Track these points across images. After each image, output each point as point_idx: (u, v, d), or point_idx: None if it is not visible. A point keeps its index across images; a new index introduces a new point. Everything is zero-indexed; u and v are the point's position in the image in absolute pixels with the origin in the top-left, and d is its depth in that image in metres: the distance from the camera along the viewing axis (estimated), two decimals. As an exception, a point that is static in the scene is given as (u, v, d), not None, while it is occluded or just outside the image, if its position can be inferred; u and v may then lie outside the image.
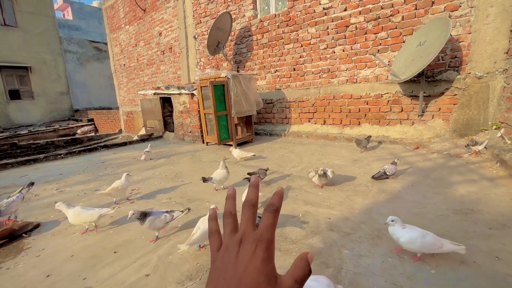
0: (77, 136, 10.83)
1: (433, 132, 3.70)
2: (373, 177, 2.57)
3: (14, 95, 12.43)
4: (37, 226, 2.08)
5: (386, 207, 2.04)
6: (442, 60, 3.57)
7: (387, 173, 2.50)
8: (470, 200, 2.02)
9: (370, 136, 3.73)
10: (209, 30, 5.37)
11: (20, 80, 12.58)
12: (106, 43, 14.24)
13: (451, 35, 3.39)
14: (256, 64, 5.65)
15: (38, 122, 12.88)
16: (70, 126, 11.76)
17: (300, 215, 1.99)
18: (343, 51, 4.41)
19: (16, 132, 10.36)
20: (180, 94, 5.36)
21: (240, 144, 4.72)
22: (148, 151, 4.08)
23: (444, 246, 1.36)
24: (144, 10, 8.08)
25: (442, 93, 3.62)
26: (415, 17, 3.70)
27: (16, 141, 8.34)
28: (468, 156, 3.01)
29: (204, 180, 2.44)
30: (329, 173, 2.39)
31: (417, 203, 2.06)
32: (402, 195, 2.22)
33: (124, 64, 9.74)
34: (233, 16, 5.70)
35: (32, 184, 2.37)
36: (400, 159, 3.22)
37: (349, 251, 1.51)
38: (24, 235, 1.96)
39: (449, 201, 2.04)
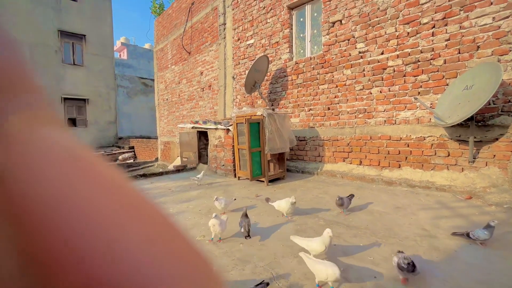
0: (118, 162, 11.71)
1: (488, 181, 3.33)
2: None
3: (72, 122, 14.09)
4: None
5: (441, 269, 1.80)
6: (494, 104, 3.34)
7: (471, 236, 2.08)
8: (549, 271, 1.71)
9: (352, 195, 2.98)
10: (247, 71, 5.75)
11: (78, 110, 14.32)
12: (152, 79, 15.89)
13: (502, 79, 3.21)
14: (290, 103, 5.81)
15: (87, 148, 14.24)
16: (113, 152, 12.80)
17: (342, 269, 1.84)
18: (380, 92, 4.38)
19: (68, 156, 11.50)
20: (216, 129, 5.63)
21: (272, 181, 4.68)
22: (200, 178, 4.69)
23: None
24: (189, 53, 9.00)
25: (496, 139, 3.32)
26: (458, 61, 3.61)
27: (67, 165, 9.22)
28: (536, 213, 2.62)
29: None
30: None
31: (480, 268, 1.79)
32: (459, 256, 1.96)
33: (167, 99, 10.66)
34: (270, 59, 6.08)
35: None
36: (451, 210, 2.92)
37: (403, 322, 1.33)
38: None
39: (521, 270, 1.75)
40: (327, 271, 1.55)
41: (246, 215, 2.53)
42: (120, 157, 12.46)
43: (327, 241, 1.84)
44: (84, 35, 14.19)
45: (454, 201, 3.19)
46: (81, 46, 14.28)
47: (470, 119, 3.29)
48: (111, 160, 12.00)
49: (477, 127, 3.42)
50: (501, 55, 3.26)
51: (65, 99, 13.67)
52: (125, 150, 13.34)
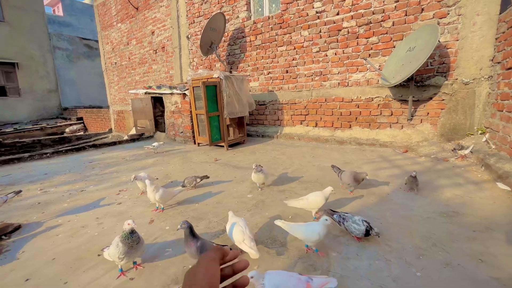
0: (65, 135, 10.57)
1: (421, 136, 3.77)
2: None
3: (0, 92, 12.04)
4: (18, 227, 2.01)
5: (374, 209, 2.05)
6: (431, 65, 3.65)
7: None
8: (455, 203, 2.06)
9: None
10: (202, 30, 5.34)
11: (6, 76, 12.19)
12: (97, 41, 14.00)
13: (439, 41, 3.47)
14: (249, 66, 5.64)
15: (24, 120, 12.51)
16: (58, 124, 11.46)
17: (290, 217, 1.99)
18: (335, 54, 4.46)
19: (0, 130, 10.03)
20: (172, 94, 5.30)
21: (232, 146, 4.70)
22: (156, 146, 4.54)
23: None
24: (137, 8, 7.97)
25: (431, 98, 3.69)
26: (405, 23, 3.77)
27: (0, 139, 8.07)
28: (454, 160, 3.07)
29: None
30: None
31: (405, 206, 2.08)
32: (390, 198, 2.25)
33: (116, 63, 9.58)
34: (227, 17, 5.68)
35: (19, 192, 2.41)
36: (390, 162, 3.28)
37: (337, 253, 1.51)
38: (3, 237, 1.89)
39: (436, 204, 2.08)
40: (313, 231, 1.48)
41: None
42: (67, 130, 11.24)
43: (327, 196, 1.88)
44: (0, -18, 11.55)
45: (393, 154, 3.57)
46: (-2, -4, 11.68)
47: (411, 79, 3.57)
48: (57, 133, 10.79)
49: (416, 87, 3.74)
50: (441, 18, 3.48)
51: (-13, 62, 11.46)
52: (72, 122, 12.04)
